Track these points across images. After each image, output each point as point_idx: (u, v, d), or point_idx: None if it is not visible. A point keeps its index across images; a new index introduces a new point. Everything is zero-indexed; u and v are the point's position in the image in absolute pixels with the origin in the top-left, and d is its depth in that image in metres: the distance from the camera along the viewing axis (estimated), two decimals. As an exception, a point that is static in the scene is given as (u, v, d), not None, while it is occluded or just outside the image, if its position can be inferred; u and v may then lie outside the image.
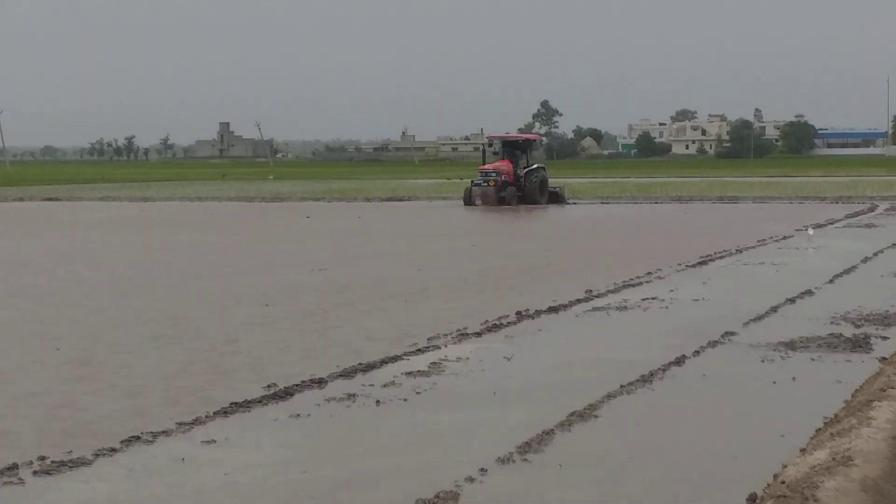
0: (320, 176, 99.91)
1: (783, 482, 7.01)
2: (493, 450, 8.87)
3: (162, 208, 49.55)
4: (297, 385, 11.31)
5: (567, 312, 16.27)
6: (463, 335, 14.26)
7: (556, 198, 47.90)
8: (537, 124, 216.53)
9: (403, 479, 8.28)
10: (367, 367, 12.21)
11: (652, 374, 11.72)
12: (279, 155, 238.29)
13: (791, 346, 13.27)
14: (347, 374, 11.91)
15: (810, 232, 30.35)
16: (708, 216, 39.45)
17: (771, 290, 18.23)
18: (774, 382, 11.42)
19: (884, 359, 12.34)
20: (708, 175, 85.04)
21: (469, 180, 50.69)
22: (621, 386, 11.14)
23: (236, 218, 41.97)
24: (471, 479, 8.16)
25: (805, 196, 50.82)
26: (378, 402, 10.72)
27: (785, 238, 28.98)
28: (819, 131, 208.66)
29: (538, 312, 16.04)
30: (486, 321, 15.20)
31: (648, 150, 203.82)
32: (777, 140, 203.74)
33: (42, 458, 8.78)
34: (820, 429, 9.12)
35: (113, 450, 9.08)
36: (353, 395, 10.94)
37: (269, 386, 11.27)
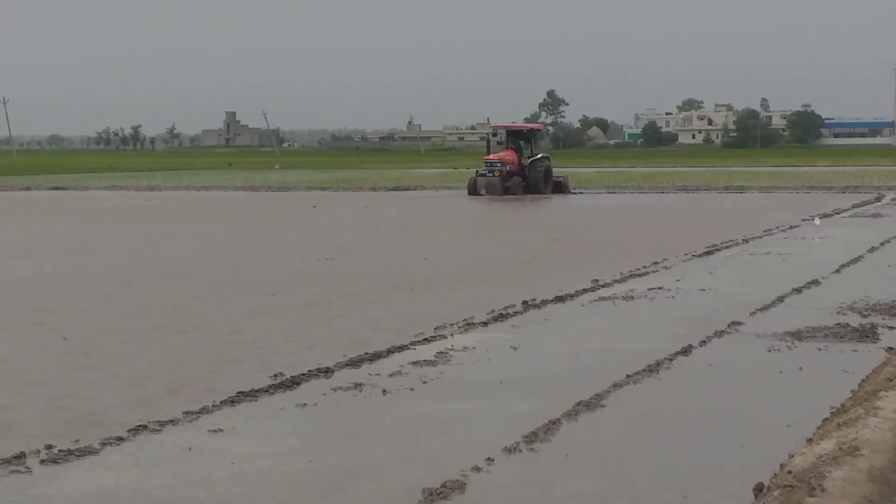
0: (326, 165, 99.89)
1: (790, 472, 7.00)
2: (500, 439, 8.88)
3: (168, 197, 49.56)
4: (303, 374, 11.32)
5: (573, 302, 16.27)
6: (469, 325, 14.26)
7: (561, 187, 47.88)
8: (543, 114, 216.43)
9: (410, 468, 8.28)
10: (374, 357, 12.22)
11: (658, 364, 11.71)
12: (285, 144, 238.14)
13: (798, 335, 13.26)
14: (354, 363, 11.92)
15: (817, 222, 30.30)
16: (714, 206, 39.41)
17: (777, 279, 18.21)
18: (781, 372, 11.41)
19: (891, 348, 12.33)
20: (714, 165, 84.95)
21: (474, 170, 50.62)
22: (628, 376, 11.14)
23: (242, 207, 41.98)
24: (477, 469, 8.17)
25: (812, 186, 50.75)
26: (384, 391, 10.73)
27: (791, 228, 28.95)
28: (826, 121, 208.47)
29: (544, 302, 16.03)
30: (493, 311, 15.20)
31: (655, 139, 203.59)
32: (783, 130, 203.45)
33: (49, 447, 8.80)
34: (827, 419, 9.11)
35: (120, 439, 9.09)
36: (360, 385, 10.95)
37: (275, 375, 11.28)
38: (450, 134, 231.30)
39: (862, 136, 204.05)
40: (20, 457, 8.54)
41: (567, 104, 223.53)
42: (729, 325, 13.95)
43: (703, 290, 17.33)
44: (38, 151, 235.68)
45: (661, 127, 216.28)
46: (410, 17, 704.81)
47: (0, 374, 11.62)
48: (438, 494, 7.58)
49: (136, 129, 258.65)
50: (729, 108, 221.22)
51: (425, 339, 13.26)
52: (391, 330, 13.94)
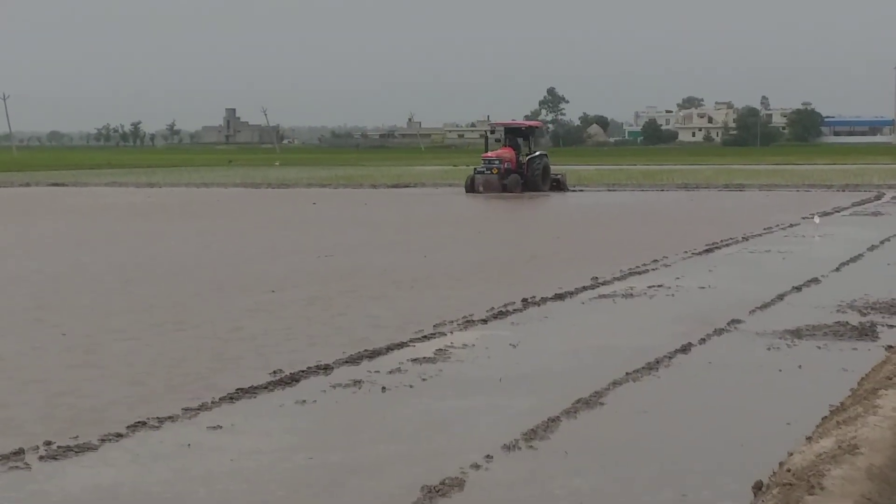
0: (326, 162, 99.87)
1: (789, 470, 7.00)
2: (499, 437, 8.88)
3: (168, 194, 49.54)
4: (302, 371, 11.32)
5: (573, 300, 16.27)
6: (469, 322, 14.26)
7: (559, 185, 47.83)
8: (543, 111, 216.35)
9: (409, 465, 8.28)
10: (373, 354, 12.22)
11: (658, 362, 11.71)
12: (285, 141, 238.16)
13: (797, 334, 13.26)
14: (353, 360, 11.92)
15: (817, 220, 30.31)
16: (714, 204, 39.41)
17: (777, 277, 18.21)
18: (780, 370, 11.41)
19: (890, 347, 12.33)
20: (714, 163, 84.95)
21: (472, 167, 50.55)
22: (627, 373, 11.14)
23: (242, 204, 41.97)
24: (476, 466, 8.17)
25: (812, 184, 50.73)
26: (384, 388, 10.73)
27: (791, 226, 28.95)
28: (826, 119, 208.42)
29: (544, 300, 16.03)
30: (492, 308, 15.20)
31: (655, 137, 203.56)
32: (784, 128, 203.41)
33: (48, 444, 8.80)
34: (826, 417, 9.11)
35: (119, 435, 9.09)
36: (359, 382, 10.94)
37: (274, 372, 11.28)
38: (450, 131, 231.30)
39: (862, 134, 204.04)
40: (19, 453, 8.54)
41: (567, 102, 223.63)
42: (729, 324, 13.95)
43: (703, 287, 17.33)
44: (38, 148, 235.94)
45: (661, 125, 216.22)
46: (410, 14, 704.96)
47: (1, 371, 11.61)
48: (438, 492, 7.58)
49: (136, 125, 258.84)
50: (729, 105, 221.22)
51: (425, 337, 13.26)
52: (391, 327, 13.94)
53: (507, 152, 46.91)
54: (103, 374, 11.40)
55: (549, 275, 19.03)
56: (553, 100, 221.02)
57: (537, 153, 47.80)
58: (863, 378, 10.63)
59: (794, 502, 6.44)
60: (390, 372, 11.39)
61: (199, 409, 9.88)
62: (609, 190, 49.78)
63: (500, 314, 14.86)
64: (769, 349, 12.46)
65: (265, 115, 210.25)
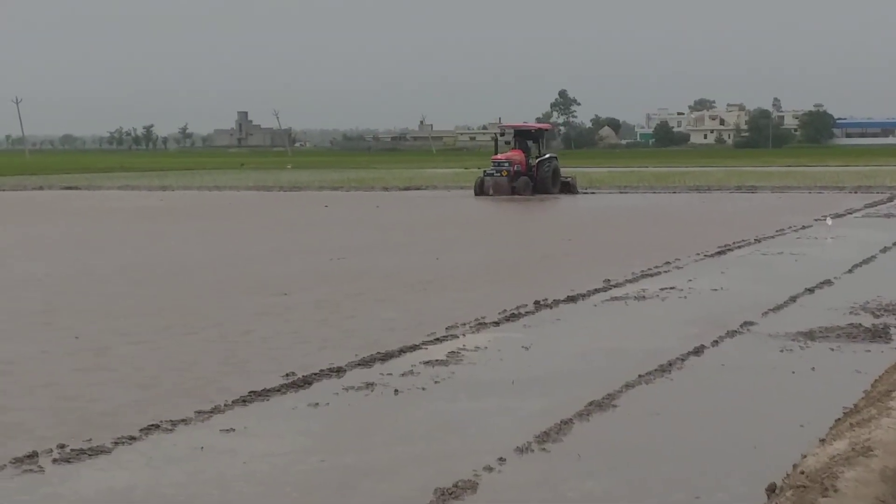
0: (338, 165, 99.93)
1: (803, 472, 6.99)
2: (512, 439, 8.87)
3: (180, 197, 49.61)
4: (315, 374, 11.33)
5: (585, 302, 16.26)
6: (481, 324, 14.25)
7: (569, 188, 47.64)
8: (555, 113, 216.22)
9: (422, 468, 8.28)
10: (386, 357, 12.22)
11: (670, 364, 11.70)
12: (297, 144, 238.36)
13: (810, 336, 13.23)
14: (366, 363, 11.92)
15: (829, 222, 30.26)
16: (726, 206, 39.34)
17: (790, 279, 18.18)
18: (793, 372, 11.39)
19: (903, 349, 12.29)
20: (726, 165, 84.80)
21: (482, 170, 50.44)
22: (640, 376, 11.13)
23: (254, 207, 42.01)
24: (489, 469, 8.17)
25: (824, 186, 50.61)
26: (396, 391, 10.73)
27: (804, 228, 28.90)
28: (838, 121, 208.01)
29: (556, 302, 16.02)
30: (504, 310, 15.19)
31: (666, 139, 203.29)
32: (796, 129, 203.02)
33: (61, 447, 8.81)
34: (839, 419, 9.09)
35: (132, 438, 9.11)
36: (372, 385, 10.95)
37: (287, 375, 11.29)
38: (461, 134, 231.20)
39: (874, 135, 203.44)
40: (32, 456, 8.56)
41: (579, 104, 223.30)
42: (741, 326, 13.93)
43: (716, 290, 17.30)
44: (51, 151, 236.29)
45: (672, 127, 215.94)
46: (422, 17, 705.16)
47: (10, 374, 11.63)
48: (450, 494, 7.58)
49: (148, 128, 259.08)
50: (741, 107, 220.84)
51: (437, 339, 13.26)
52: (403, 330, 13.94)
53: (516, 155, 46.82)
54: (114, 378, 11.42)
55: (561, 277, 19.02)
56: (564, 102, 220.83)
57: (547, 155, 47.67)
58: (876, 380, 10.61)
59: (808, 504, 6.43)
60: (403, 374, 11.39)
61: (211, 412, 9.90)
62: (621, 192, 49.70)
63: (513, 316, 14.86)
64: (782, 351, 12.44)
65: (277, 118, 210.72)
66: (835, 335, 13.26)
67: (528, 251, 24.02)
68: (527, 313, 15.14)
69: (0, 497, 7.76)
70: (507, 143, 50.06)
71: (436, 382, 11.10)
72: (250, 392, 10.55)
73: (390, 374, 11.39)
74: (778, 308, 15.34)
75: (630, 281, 18.38)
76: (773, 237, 26.31)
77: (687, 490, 7.71)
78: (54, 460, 8.53)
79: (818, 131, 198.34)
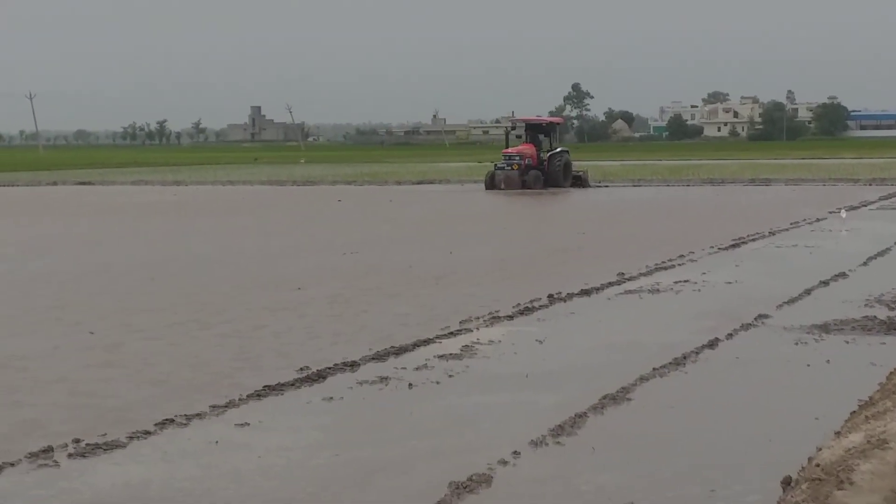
0: (351, 159, 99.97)
1: (818, 465, 6.97)
2: (526, 433, 8.87)
3: (194, 192, 49.68)
4: (329, 368, 11.34)
5: (599, 295, 16.24)
6: (495, 318, 14.25)
7: (580, 181, 47.54)
8: (568, 107, 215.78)
9: (436, 461, 8.29)
10: (400, 351, 12.23)
11: (685, 357, 11.69)
12: (310, 139, 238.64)
13: (825, 328, 13.20)
14: (380, 357, 11.93)
15: (843, 214, 30.18)
16: (740, 199, 39.26)
17: (804, 272, 18.14)
18: (808, 365, 11.37)
19: (919, 341, 12.25)
20: (740, 157, 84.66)
21: (493, 164, 50.33)
22: (654, 369, 11.12)
23: (268, 202, 42.06)
24: (504, 462, 8.17)
25: (838, 178, 50.47)
26: (410, 385, 10.73)
27: (818, 220, 28.83)
28: (852, 113, 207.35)
29: (570, 295, 16.01)
30: (518, 304, 15.19)
31: (680, 132, 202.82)
32: (810, 122, 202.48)
33: (77, 441, 8.84)
34: (855, 411, 9.07)
35: (147, 432, 9.12)
36: (386, 379, 10.95)
37: (301, 369, 11.30)
38: (474, 127, 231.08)
39: (889, 127, 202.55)
40: (48, 451, 8.58)
41: (592, 97, 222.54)
42: (756, 319, 13.90)
43: (730, 283, 17.28)
44: (65, 147, 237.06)
45: (686, 120, 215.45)
46: (435, 10, 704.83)
47: (24, 370, 11.66)
48: (465, 488, 7.58)
49: (161, 123, 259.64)
50: (755, 100, 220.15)
51: (451, 333, 13.26)
52: (417, 324, 13.95)
53: (527, 148, 46.77)
54: (128, 373, 11.44)
55: (574, 270, 19.01)
56: (578, 95, 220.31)
57: (558, 149, 47.58)
58: (891, 372, 10.58)
59: (823, 497, 6.42)
60: (417, 368, 11.39)
61: (226, 407, 9.91)
62: (634, 185, 49.62)
63: (526, 310, 14.85)
64: (797, 344, 12.42)
65: (290, 112, 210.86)
66: (850, 328, 13.22)
67: (542, 245, 24.00)
68: (541, 307, 15.14)
69: (17, 492, 7.78)
70: (518, 136, 50.00)
71: (450, 376, 11.10)
72: (265, 386, 10.56)
73: (404, 368, 11.39)
74: (792, 301, 15.31)
75: (644, 274, 18.36)
76: (787, 230, 26.26)
77: (702, 483, 7.70)
78: (69, 455, 8.56)
79: (832, 123, 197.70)
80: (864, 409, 8.89)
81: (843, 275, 17.72)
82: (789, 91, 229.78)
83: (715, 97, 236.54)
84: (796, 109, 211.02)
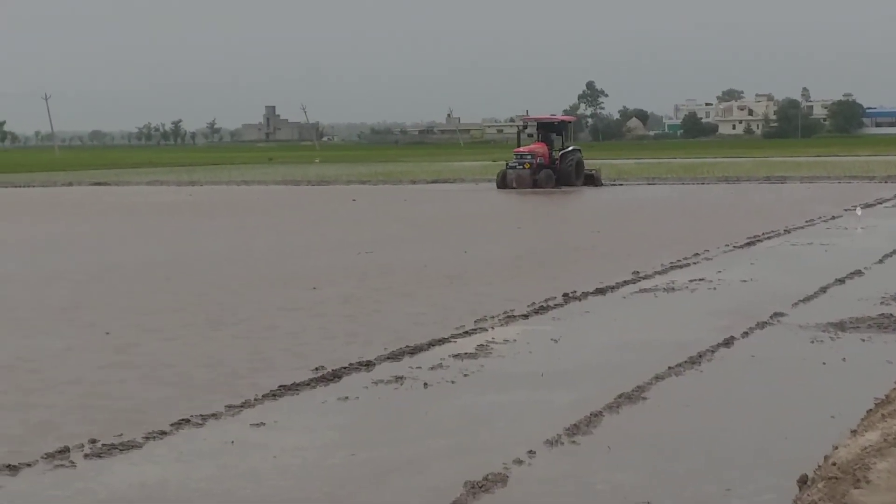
0: (366, 159, 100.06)
1: (834, 463, 6.96)
2: (542, 432, 8.87)
3: (209, 192, 49.76)
4: (344, 368, 11.35)
5: (614, 294, 16.23)
6: (510, 317, 14.25)
7: (592, 180, 47.43)
8: (583, 105, 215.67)
9: (452, 461, 8.29)
10: (415, 350, 12.23)
11: (700, 356, 11.67)
12: (325, 138, 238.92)
13: (841, 326, 13.17)
14: (395, 356, 11.93)
15: (859, 212, 30.11)
16: (755, 196, 39.18)
17: (820, 270, 18.10)
18: (824, 363, 11.35)
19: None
20: (755, 155, 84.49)
21: (504, 163, 50.27)
22: (669, 367, 11.10)
23: (282, 202, 42.10)
24: (519, 462, 8.16)
25: (853, 176, 50.35)
26: (426, 384, 10.74)
27: (833, 218, 28.77)
28: (867, 110, 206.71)
29: (585, 294, 16.00)
30: (533, 303, 15.18)
31: (695, 130, 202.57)
32: (825, 119, 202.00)
33: (93, 441, 8.86)
34: (871, 410, 9.04)
35: (163, 433, 9.14)
36: (401, 378, 10.96)
37: (316, 369, 11.31)
38: (489, 126, 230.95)
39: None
40: (64, 451, 8.60)
41: (606, 95, 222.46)
42: (771, 317, 13.88)
43: (745, 281, 17.25)
44: (80, 147, 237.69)
45: (701, 118, 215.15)
46: (450, 9, 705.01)
47: (39, 371, 11.69)
48: (481, 487, 7.58)
49: (176, 124, 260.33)
50: (769, 98, 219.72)
51: (466, 332, 13.26)
52: (432, 323, 13.95)
53: (539, 147, 46.72)
54: (144, 373, 11.46)
55: (589, 269, 19.00)
56: (592, 94, 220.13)
57: (570, 148, 47.52)
58: (908, 370, 10.55)
59: (840, 496, 6.41)
60: (432, 368, 11.40)
61: (241, 407, 9.93)
62: (649, 183, 49.55)
63: (541, 309, 14.84)
64: (812, 342, 12.39)
65: (305, 112, 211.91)
66: (866, 326, 13.19)
67: (556, 243, 24.00)
68: (556, 306, 15.13)
69: (33, 492, 7.81)
70: (530, 135, 49.96)
71: (465, 375, 11.10)
72: (280, 386, 10.58)
73: (419, 368, 11.40)
74: (808, 299, 15.28)
75: (659, 273, 18.34)
76: (802, 228, 26.21)
77: (718, 482, 7.69)
78: (86, 455, 8.58)
79: (847, 121, 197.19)
80: (881, 408, 8.87)
81: (858, 272, 17.68)
82: (804, 88, 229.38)
83: (730, 95, 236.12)
84: (811, 107, 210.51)
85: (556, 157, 46.45)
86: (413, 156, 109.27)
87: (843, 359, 11.52)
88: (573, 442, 8.68)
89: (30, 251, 24.33)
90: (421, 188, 50.25)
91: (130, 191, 52.26)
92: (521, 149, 46.94)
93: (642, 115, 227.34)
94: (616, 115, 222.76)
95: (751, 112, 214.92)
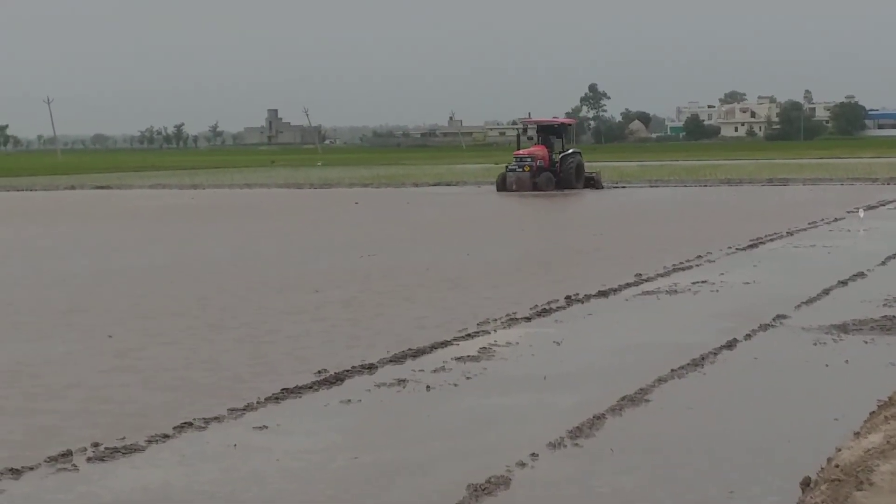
0: (368, 162, 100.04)
1: (837, 466, 6.96)
2: (545, 434, 8.86)
3: (211, 196, 49.77)
4: (347, 371, 11.35)
5: (617, 297, 16.23)
6: (513, 320, 14.25)
7: (593, 183, 47.38)
8: (585, 108, 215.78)
9: (455, 463, 8.29)
10: (417, 353, 12.23)
11: (703, 358, 11.66)
12: (327, 141, 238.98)
13: (843, 328, 13.16)
14: (397, 359, 11.93)
15: (861, 214, 30.09)
16: (758, 199, 39.17)
17: (822, 272, 18.09)
18: (827, 365, 11.34)
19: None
20: (758, 157, 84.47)
21: (503, 165, 50.22)
22: (672, 370, 11.10)
23: (285, 205, 42.11)
24: (522, 464, 8.16)
25: (856, 177, 50.28)
26: (428, 387, 10.74)
27: (836, 220, 28.74)
28: (870, 112, 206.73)
29: (588, 297, 16.00)
30: (536, 306, 15.18)
31: (697, 132, 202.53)
32: (827, 121, 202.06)
33: (95, 445, 8.86)
34: (874, 412, 9.04)
35: (166, 436, 9.14)
36: (404, 381, 10.96)
37: (319, 372, 11.31)
38: (491, 129, 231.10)
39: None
40: (67, 455, 8.60)
41: (608, 98, 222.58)
42: (774, 319, 13.87)
43: (748, 283, 17.24)
44: (83, 151, 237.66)
45: (703, 120, 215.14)
46: (452, 12, 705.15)
47: (40, 375, 11.68)
48: (483, 490, 7.58)
49: (178, 127, 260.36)
50: (772, 100, 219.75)
51: (468, 335, 13.26)
52: (434, 326, 13.94)
53: (539, 150, 46.65)
54: (146, 377, 11.46)
55: (592, 272, 18.99)
56: (594, 96, 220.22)
57: (570, 150, 47.47)
58: (911, 373, 10.54)
59: (843, 498, 6.40)
60: (434, 371, 11.39)
61: (244, 410, 9.93)
62: (652, 186, 49.53)
63: (544, 312, 14.84)
64: (815, 344, 12.38)
65: (307, 115, 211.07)
66: (868, 328, 13.18)
67: (559, 246, 24.00)
68: (558, 308, 15.13)
69: (36, 495, 7.81)
70: (530, 138, 49.96)
71: (467, 378, 11.10)
72: (283, 389, 10.57)
73: (422, 371, 11.39)
74: (811, 301, 15.27)
75: (661, 275, 18.34)
76: (805, 230, 26.19)
77: (721, 485, 7.69)
78: (88, 459, 8.58)
79: (850, 123, 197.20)
80: (884, 410, 8.87)
81: (861, 275, 17.67)
82: (806, 91, 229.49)
83: (732, 97, 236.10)
84: (814, 109, 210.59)
85: (556, 159, 46.41)
86: (415, 158, 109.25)
87: (846, 361, 11.51)
88: (576, 444, 8.68)
89: (32, 255, 24.33)
90: (423, 191, 50.24)
91: (133, 194, 52.26)
92: (521, 151, 46.89)
93: (644, 118, 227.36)
94: (618, 118, 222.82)
95: (753, 114, 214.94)
